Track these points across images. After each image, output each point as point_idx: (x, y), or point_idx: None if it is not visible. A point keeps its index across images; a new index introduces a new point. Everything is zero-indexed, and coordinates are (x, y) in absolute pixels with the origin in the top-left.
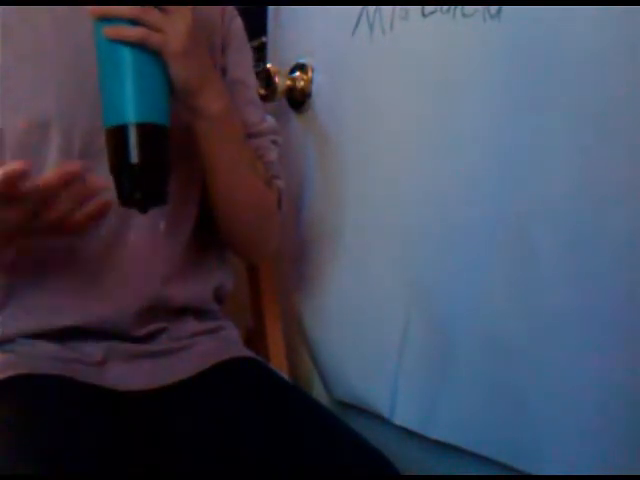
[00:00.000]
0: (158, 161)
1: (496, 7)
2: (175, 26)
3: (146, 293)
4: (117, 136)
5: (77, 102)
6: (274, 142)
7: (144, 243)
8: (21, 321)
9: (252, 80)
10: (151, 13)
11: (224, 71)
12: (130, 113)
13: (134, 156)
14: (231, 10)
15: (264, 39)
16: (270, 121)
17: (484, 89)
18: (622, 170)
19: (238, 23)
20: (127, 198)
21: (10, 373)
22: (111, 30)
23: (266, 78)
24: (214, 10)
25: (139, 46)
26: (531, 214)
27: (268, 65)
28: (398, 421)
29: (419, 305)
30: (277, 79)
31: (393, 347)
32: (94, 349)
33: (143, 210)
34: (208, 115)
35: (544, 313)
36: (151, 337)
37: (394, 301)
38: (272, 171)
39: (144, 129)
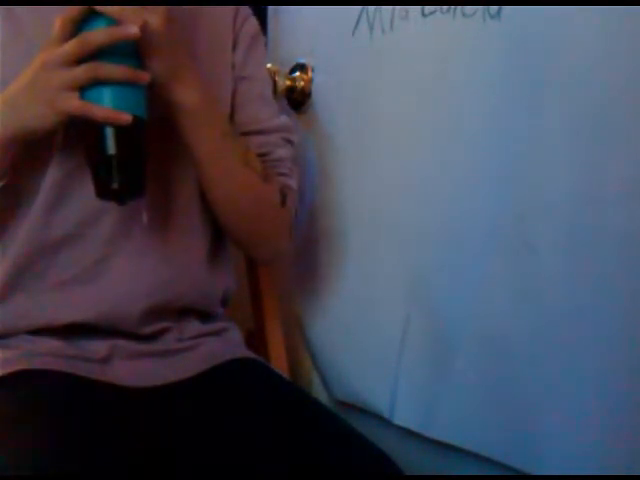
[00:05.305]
0: (134, 152)
1: (496, 7)
2: (149, 20)
3: (151, 293)
4: (93, 127)
5: None
6: (287, 140)
7: (151, 243)
8: (25, 316)
9: (262, 77)
10: (127, 8)
11: (234, 68)
12: (105, 104)
13: (110, 147)
14: (245, 11)
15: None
16: (283, 119)
17: (484, 89)
18: (622, 170)
19: (251, 23)
20: (104, 190)
21: (13, 369)
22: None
23: None
24: (226, 11)
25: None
26: (531, 214)
27: (268, 65)
28: (398, 421)
29: (419, 305)
30: (277, 79)
31: (393, 347)
32: (98, 346)
33: (121, 202)
34: (183, 109)
35: (544, 313)
36: (156, 337)
37: (394, 301)
38: (281, 169)
39: None
